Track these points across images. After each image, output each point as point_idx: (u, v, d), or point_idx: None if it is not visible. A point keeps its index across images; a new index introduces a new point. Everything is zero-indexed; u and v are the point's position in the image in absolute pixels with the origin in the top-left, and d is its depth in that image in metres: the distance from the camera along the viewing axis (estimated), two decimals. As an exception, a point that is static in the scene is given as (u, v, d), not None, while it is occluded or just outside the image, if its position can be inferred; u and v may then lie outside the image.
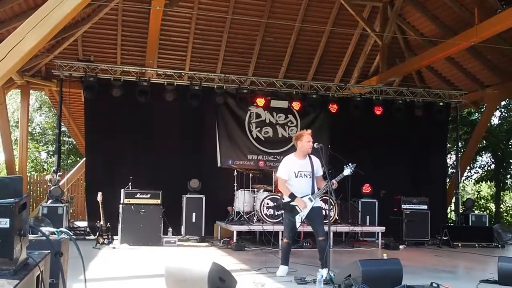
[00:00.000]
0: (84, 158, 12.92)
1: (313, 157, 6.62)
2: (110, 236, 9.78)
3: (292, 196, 6.43)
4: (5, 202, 2.31)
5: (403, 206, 11.62)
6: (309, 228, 6.91)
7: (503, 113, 20.07)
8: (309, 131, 6.69)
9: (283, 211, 6.88)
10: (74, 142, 24.98)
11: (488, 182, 20.76)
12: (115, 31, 13.51)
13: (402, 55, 14.61)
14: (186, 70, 13.74)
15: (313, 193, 6.52)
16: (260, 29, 14.04)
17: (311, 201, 6.46)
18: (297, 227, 6.49)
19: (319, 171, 6.64)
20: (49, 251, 2.94)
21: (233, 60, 14.78)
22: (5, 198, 2.35)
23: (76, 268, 4.36)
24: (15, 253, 2.32)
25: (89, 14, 12.54)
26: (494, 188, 20.33)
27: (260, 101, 12.39)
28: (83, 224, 12.42)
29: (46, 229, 3.29)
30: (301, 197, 6.44)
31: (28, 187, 17.71)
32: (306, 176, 6.53)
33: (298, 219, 6.43)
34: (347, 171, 6.61)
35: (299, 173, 6.53)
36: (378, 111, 12.95)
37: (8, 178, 2.54)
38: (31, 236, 2.97)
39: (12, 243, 2.29)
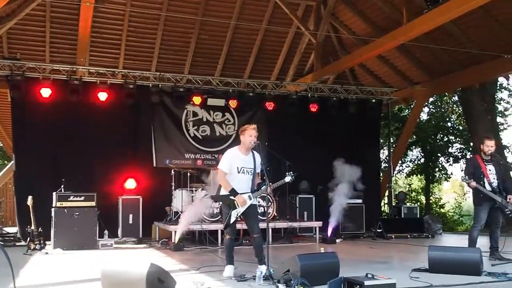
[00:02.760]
0: (12, 161, 12.32)
1: (255, 153, 6.53)
2: (42, 241, 9.37)
3: (233, 192, 6.31)
4: None
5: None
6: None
7: (431, 109, 21.03)
8: (254, 125, 6.56)
9: (221, 205, 6.73)
10: (1, 144, 23.84)
11: (419, 176, 21.67)
12: (43, 27, 12.98)
13: (336, 53, 14.98)
14: (119, 69, 13.40)
15: (252, 190, 6.46)
16: (195, 27, 13.94)
17: (250, 199, 6.40)
18: (231, 221, 6.36)
19: (258, 167, 6.59)
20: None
21: (169, 58, 14.60)
22: None
23: (5, 276, 4.15)
24: None
25: (14, 9, 11.92)
26: (424, 181, 21.26)
27: (197, 100, 12.30)
28: (13, 230, 11.88)
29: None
30: (242, 194, 6.33)
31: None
32: (248, 173, 6.45)
33: (234, 214, 6.32)
34: (288, 179, 6.68)
35: (241, 169, 6.42)
36: (314, 108, 13.19)
37: None
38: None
39: None
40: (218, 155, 12.03)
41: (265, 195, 6.65)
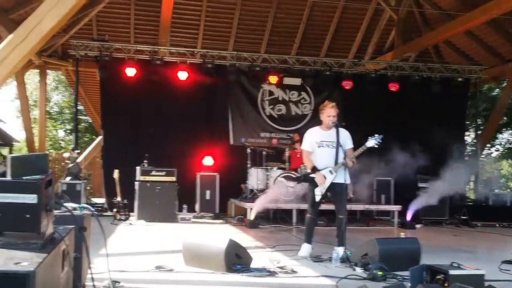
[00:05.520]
0: (101, 136, 13.07)
1: (342, 129, 6.31)
2: (127, 213, 9.95)
3: (314, 169, 6.21)
4: (32, 179, 2.41)
5: (420, 184, 11.30)
6: (323, 206, 6.81)
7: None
8: (333, 103, 6.38)
9: (306, 184, 6.59)
10: (91, 121, 25.22)
11: (509, 160, 20.40)
12: (129, 10, 13.54)
13: (419, 30, 14.35)
14: (198, 48, 13.74)
15: (335, 164, 6.20)
16: (272, 5, 13.95)
17: (331, 173, 6.19)
18: (316, 200, 6.26)
19: (347, 143, 6.30)
20: (73, 226, 3.06)
21: (245, 37, 14.74)
22: (32, 175, 2.45)
23: (97, 243, 4.49)
24: (42, 228, 2.42)
25: (103, -7, 12.56)
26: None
27: (273, 79, 12.35)
28: (101, 200, 12.63)
29: (69, 205, 3.40)
30: (322, 169, 6.20)
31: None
32: (329, 146, 6.26)
33: (318, 191, 6.21)
34: (370, 143, 6.25)
35: (321, 143, 6.29)
36: (394, 87, 12.76)
37: (34, 155, 2.65)
38: (55, 212, 3.07)
39: (39, 218, 2.39)
40: (293, 134, 12.07)
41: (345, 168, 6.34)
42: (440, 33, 12.67)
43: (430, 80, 13.09)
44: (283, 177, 10.44)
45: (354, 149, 6.36)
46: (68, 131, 29.09)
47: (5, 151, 20.12)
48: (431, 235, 9.60)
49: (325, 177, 6.21)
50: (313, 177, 6.26)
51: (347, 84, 12.60)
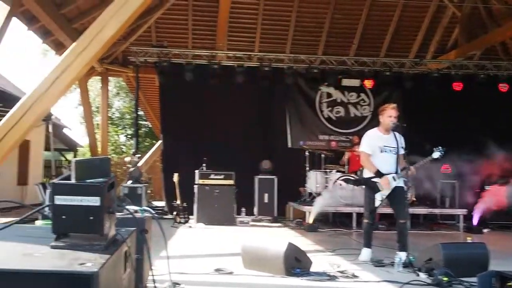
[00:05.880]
0: (160, 141, 13.35)
1: (397, 134, 6.24)
2: (186, 216, 10.08)
3: (379, 173, 6.07)
4: (96, 182, 2.47)
5: (486, 187, 10.72)
6: (384, 210, 6.66)
7: None
8: (394, 105, 6.31)
9: (363, 189, 6.45)
10: (150, 126, 25.83)
11: None
12: (186, 16, 13.76)
13: (484, 26, 13.70)
14: (255, 52, 13.78)
15: (396, 171, 6.13)
16: (329, 6, 13.79)
17: (395, 180, 6.09)
18: (376, 205, 6.16)
19: (402, 149, 6.26)
20: (135, 228, 3.10)
21: (303, 40, 14.64)
22: (95, 178, 2.51)
23: (157, 245, 4.55)
24: (105, 230, 2.46)
25: (161, 0, 12.84)
26: None
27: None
28: (161, 204, 12.88)
29: (130, 208, 3.46)
30: (385, 174, 6.08)
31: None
32: (391, 152, 6.16)
33: (378, 197, 6.09)
34: (436, 154, 6.27)
35: (384, 148, 6.17)
36: (458, 87, 12.34)
37: (98, 159, 2.70)
38: (117, 214, 3.12)
39: (102, 220, 2.43)
40: (352, 136, 11.87)
41: (406, 178, 6.29)
42: (507, 29, 12.06)
43: (497, 79, 12.55)
44: (343, 180, 10.28)
45: (417, 155, 6.29)
46: (129, 136, 29.99)
47: (70, 156, 20.99)
48: (499, 240, 9.20)
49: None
50: (375, 182, 6.12)
51: (408, 84, 12.31)
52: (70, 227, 2.40)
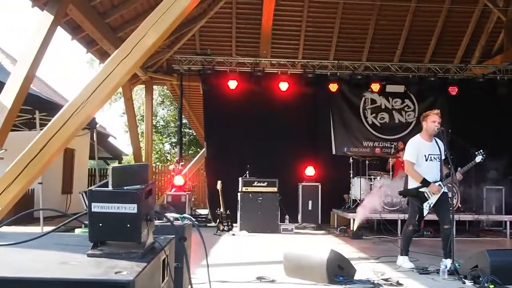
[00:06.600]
0: (204, 148, 13.46)
1: (438, 140, 6.20)
2: (229, 223, 10.10)
3: (426, 182, 6.03)
4: (133, 188, 2.45)
5: None
6: (429, 217, 6.55)
7: None
8: (437, 111, 6.26)
9: (409, 198, 6.44)
10: (194, 134, 26.08)
11: None
12: (230, 24, 13.85)
13: (531, 30, 13.33)
14: (299, 59, 13.74)
15: (441, 178, 6.11)
16: (373, 13, 13.61)
17: (441, 187, 6.08)
18: (424, 214, 6.13)
19: (443, 154, 6.21)
20: (174, 236, 3.09)
21: (346, 46, 14.49)
22: (133, 185, 2.50)
23: (199, 253, 4.55)
24: (142, 237, 2.45)
25: (205, 9, 13.00)
26: None
27: (375, 87, 12.09)
28: (204, 211, 12.96)
29: (170, 215, 3.46)
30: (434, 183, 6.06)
31: (153, 176, 18.87)
32: (436, 160, 6.13)
33: (426, 206, 6.07)
34: (478, 159, 6.30)
35: (429, 156, 6.13)
36: (504, 91, 12.06)
37: (136, 165, 2.69)
38: (156, 222, 3.13)
39: (139, 228, 2.42)
40: (397, 142, 11.69)
41: (451, 185, 6.23)
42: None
43: (542, 83, 12.09)
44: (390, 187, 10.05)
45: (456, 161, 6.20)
46: (174, 144, 30.40)
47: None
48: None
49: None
50: (423, 192, 6.07)
51: (453, 90, 12.10)
52: (107, 234, 2.39)
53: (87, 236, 2.42)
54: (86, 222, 2.45)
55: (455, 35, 14.29)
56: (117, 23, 11.83)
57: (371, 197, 9.73)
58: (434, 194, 6.03)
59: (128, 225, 2.39)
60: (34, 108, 9.27)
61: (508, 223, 10.17)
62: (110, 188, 2.42)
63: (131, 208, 2.39)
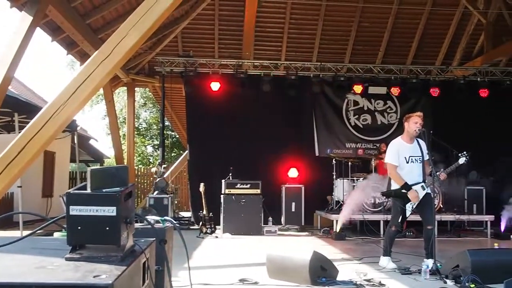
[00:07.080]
0: (187, 151, 13.40)
1: (420, 140, 6.25)
2: (212, 226, 10.05)
3: (406, 187, 6.07)
4: (111, 191, 2.41)
5: None
6: (411, 217, 6.59)
7: None
8: (420, 113, 6.33)
9: (391, 199, 6.49)
10: (177, 136, 25.95)
11: None
12: (212, 25, 13.81)
13: (510, 33, 13.50)
14: (282, 61, 13.76)
15: (423, 179, 6.15)
16: (355, 15, 13.69)
17: (424, 189, 6.12)
18: (407, 215, 6.19)
19: (426, 155, 6.25)
20: (154, 239, 3.05)
21: (329, 48, 14.54)
22: (113, 187, 2.45)
23: (181, 256, 4.51)
24: (122, 240, 2.40)
25: (187, 10, 12.96)
26: None
27: (358, 88, 12.15)
28: (187, 214, 12.89)
29: (151, 218, 3.41)
30: (413, 185, 6.09)
31: (136, 179, 18.71)
32: (417, 161, 6.18)
33: (409, 207, 6.12)
34: (462, 160, 6.33)
35: (410, 158, 6.17)
36: (484, 93, 12.27)
37: (115, 168, 2.64)
38: (137, 225, 3.08)
39: (119, 231, 2.37)
40: (379, 144, 11.76)
41: (432, 185, 6.27)
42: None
43: (523, 85, 12.29)
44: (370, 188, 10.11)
45: (444, 162, 6.51)
46: (156, 147, 30.23)
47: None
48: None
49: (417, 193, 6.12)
50: (405, 193, 6.09)
51: (435, 91, 12.22)
52: (86, 238, 2.34)
53: (66, 240, 2.37)
54: (65, 226, 2.40)
55: (437, 37, 14.44)
56: (98, 24, 11.70)
57: (354, 197, 9.75)
58: (413, 201, 6.06)
59: (107, 228, 2.34)
60: (13, 110, 9.12)
61: (489, 223, 10.29)
62: (88, 190, 2.38)
63: (110, 211, 2.35)
